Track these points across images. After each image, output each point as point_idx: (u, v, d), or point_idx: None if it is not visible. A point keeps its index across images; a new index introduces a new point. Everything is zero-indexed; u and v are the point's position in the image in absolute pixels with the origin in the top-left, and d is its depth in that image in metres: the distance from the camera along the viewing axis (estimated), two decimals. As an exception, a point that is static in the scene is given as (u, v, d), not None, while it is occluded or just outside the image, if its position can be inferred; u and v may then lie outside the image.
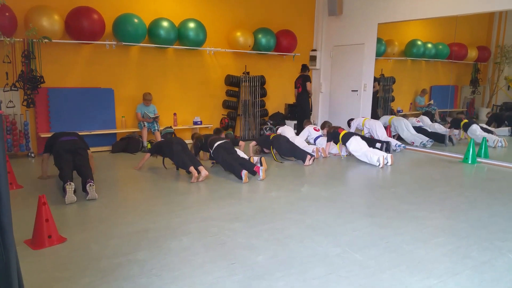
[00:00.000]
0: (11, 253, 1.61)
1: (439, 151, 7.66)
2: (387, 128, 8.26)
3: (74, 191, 4.40)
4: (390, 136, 8.19)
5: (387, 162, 6.46)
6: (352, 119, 8.49)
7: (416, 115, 9.10)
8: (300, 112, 9.28)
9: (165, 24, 7.52)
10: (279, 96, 9.80)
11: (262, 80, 9.14)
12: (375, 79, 9.02)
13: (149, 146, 7.36)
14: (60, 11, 6.66)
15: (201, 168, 5.39)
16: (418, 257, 3.14)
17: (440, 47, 9.07)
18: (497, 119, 8.60)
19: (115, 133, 7.65)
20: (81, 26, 6.70)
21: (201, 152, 6.51)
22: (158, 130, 7.66)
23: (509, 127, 8.39)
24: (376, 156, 6.42)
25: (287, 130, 7.70)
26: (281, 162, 6.63)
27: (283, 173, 5.93)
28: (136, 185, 5.35)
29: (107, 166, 6.24)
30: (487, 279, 2.82)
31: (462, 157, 6.91)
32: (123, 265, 2.95)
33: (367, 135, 7.80)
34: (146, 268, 2.90)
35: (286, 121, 9.37)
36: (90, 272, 2.84)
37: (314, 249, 3.26)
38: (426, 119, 8.87)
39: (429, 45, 9.25)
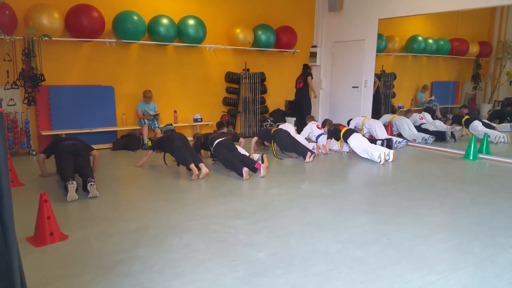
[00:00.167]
0: (13, 251, 1.62)
1: (440, 147, 7.64)
2: (387, 127, 8.23)
3: (76, 190, 4.41)
4: (391, 135, 8.16)
5: (389, 158, 6.45)
6: (351, 119, 8.46)
7: (418, 111, 9.08)
8: (300, 108, 9.27)
9: (164, 21, 7.51)
10: (279, 93, 9.79)
11: (262, 77, 9.12)
12: (375, 75, 9.01)
13: (149, 143, 7.36)
14: (60, 9, 6.65)
15: (201, 165, 5.39)
16: (419, 254, 3.14)
17: (441, 42, 9.03)
18: (499, 116, 8.57)
19: (116, 131, 7.65)
20: (81, 24, 6.69)
21: (202, 151, 6.51)
22: (158, 127, 7.66)
23: (511, 123, 8.37)
24: (377, 152, 6.41)
25: (287, 128, 7.67)
26: (280, 159, 6.62)
27: (284, 170, 5.93)
28: (137, 183, 5.36)
29: (108, 164, 6.25)
30: (489, 275, 2.82)
31: (464, 153, 6.90)
32: (124, 261, 2.96)
33: (366, 135, 7.77)
34: (147, 265, 2.91)
35: (287, 118, 9.35)
36: (92, 269, 2.84)
37: (315, 246, 3.26)
38: (427, 116, 8.85)
39: (430, 41, 9.22)
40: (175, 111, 8.26)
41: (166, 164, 5.93)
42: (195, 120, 8.49)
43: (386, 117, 8.63)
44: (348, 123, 8.47)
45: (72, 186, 4.34)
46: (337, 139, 7.05)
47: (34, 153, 6.78)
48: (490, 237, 3.47)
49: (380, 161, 6.32)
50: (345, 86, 9.58)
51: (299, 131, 7.93)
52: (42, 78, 6.46)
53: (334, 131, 7.06)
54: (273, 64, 9.58)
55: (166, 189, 4.92)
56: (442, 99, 9.17)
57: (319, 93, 10.14)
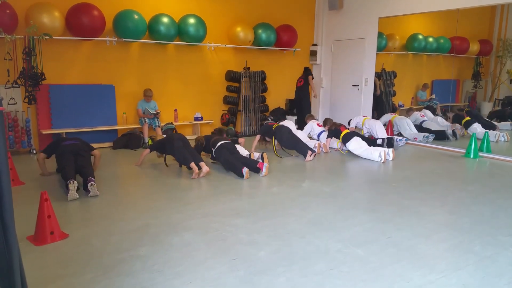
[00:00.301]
0: (13, 249, 1.62)
1: (441, 145, 7.64)
2: (387, 126, 8.22)
3: (77, 189, 4.41)
4: (391, 135, 8.14)
5: (389, 157, 6.45)
6: (351, 120, 8.44)
7: (418, 110, 9.07)
8: (300, 107, 9.27)
9: (165, 20, 7.50)
10: (279, 91, 9.79)
11: (262, 76, 9.12)
12: (376, 75, 9.01)
13: (150, 142, 7.37)
14: (60, 8, 6.64)
15: (202, 164, 5.39)
16: (420, 252, 3.14)
17: (442, 41, 9.02)
18: (499, 116, 8.57)
19: (116, 130, 7.65)
20: (81, 23, 6.69)
21: (203, 153, 6.49)
22: (159, 126, 7.66)
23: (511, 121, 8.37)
24: (377, 151, 6.41)
25: (288, 125, 7.66)
26: (281, 157, 6.62)
27: (284, 169, 5.92)
28: (138, 181, 5.36)
29: (108, 163, 6.25)
30: (490, 274, 2.82)
31: (464, 151, 6.89)
32: (125, 261, 2.96)
33: (366, 135, 7.78)
34: (148, 264, 2.91)
35: (287, 116, 9.35)
36: (92, 268, 2.84)
37: (315, 245, 3.26)
38: (429, 113, 8.84)
39: (431, 39, 9.21)
40: (175, 110, 8.25)
41: (167, 165, 5.91)
42: (196, 119, 8.48)
43: (387, 117, 8.63)
44: (349, 123, 8.46)
45: (73, 185, 4.34)
46: (338, 138, 7.03)
47: (34, 152, 6.79)
48: (491, 236, 3.47)
49: (381, 159, 6.32)
50: (345, 85, 9.57)
51: (299, 129, 7.92)
52: (43, 77, 6.46)
53: (335, 131, 7.05)
54: (273, 62, 9.57)
55: (167, 188, 4.92)
56: (442, 97, 9.16)
57: (320, 92, 10.13)
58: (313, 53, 10.05)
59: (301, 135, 7.27)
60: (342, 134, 6.87)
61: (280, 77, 9.73)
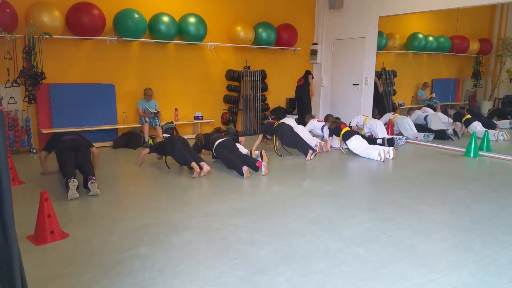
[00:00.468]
0: (13, 249, 1.61)
1: (441, 144, 7.64)
2: (388, 125, 8.21)
3: (77, 188, 4.41)
4: (392, 134, 8.14)
5: (389, 156, 6.45)
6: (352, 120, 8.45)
7: (418, 109, 9.07)
8: (300, 106, 9.27)
9: (165, 19, 7.50)
10: (280, 90, 9.78)
11: (263, 75, 9.12)
12: (376, 74, 9.01)
13: (150, 141, 7.36)
14: (60, 7, 6.64)
15: (203, 163, 5.39)
16: (420, 251, 3.14)
17: (442, 40, 9.02)
18: (499, 114, 8.57)
19: (117, 129, 7.65)
20: (81, 22, 6.68)
21: (203, 150, 6.49)
22: (159, 125, 7.66)
23: (511, 120, 8.37)
24: (376, 151, 6.41)
25: (288, 122, 7.65)
26: (281, 156, 6.62)
27: (285, 168, 5.92)
28: (138, 181, 5.36)
29: (108, 162, 6.25)
30: (490, 272, 2.82)
31: (464, 150, 6.89)
32: (125, 260, 2.96)
33: (367, 134, 7.77)
34: (148, 264, 2.91)
35: (288, 115, 9.35)
36: (92, 268, 2.84)
37: (316, 244, 3.26)
38: (429, 110, 8.84)
39: (431, 38, 9.20)
40: (175, 109, 8.25)
41: (168, 167, 5.89)
42: (196, 118, 8.48)
43: (387, 116, 8.63)
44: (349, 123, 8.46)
45: (73, 184, 4.34)
46: (338, 136, 7.03)
47: (34, 151, 6.79)
48: (491, 235, 3.47)
49: (381, 158, 6.32)
50: (345, 84, 9.57)
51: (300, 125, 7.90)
52: (43, 76, 6.45)
53: (335, 129, 7.05)
54: (274, 61, 9.57)
55: (167, 187, 4.92)
56: (442, 96, 9.16)
57: (320, 91, 10.13)
58: (314, 52, 10.05)
59: (301, 130, 7.26)
60: (342, 132, 6.86)
61: (281, 76, 9.73)
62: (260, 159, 5.70)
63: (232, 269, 2.84)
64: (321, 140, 7.43)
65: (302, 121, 9.04)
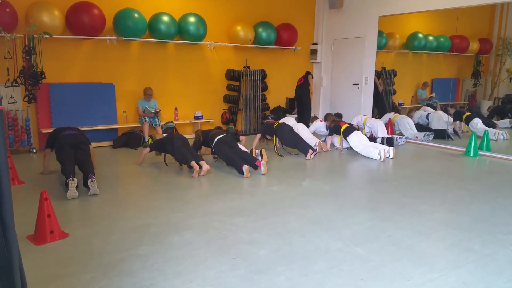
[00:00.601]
0: (13, 249, 1.62)
1: (440, 144, 7.64)
2: (387, 125, 8.21)
3: (77, 187, 4.40)
4: (392, 134, 8.14)
5: (389, 156, 6.45)
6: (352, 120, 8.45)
7: (418, 109, 9.07)
8: (300, 105, 9.27)
9: (165, 18, 7.49)
10: (280, 90, 9.78)
11: (263, 74, 9.12)
12: (376, 73, 9.01)
13: (150, 141, 7.36)
14: (60, 7, 6.64)
15: (202, 162, 5.39)
16: (420, 251, 3.14)
17: (442, 39, 9.02)
18: (499, 112, 8.57)
19: (117, 128, 7.65)
20: (81, 22, 6.68)
21: (203, 148, 6.50)
22: (159, 125, 7.66)
23: (511, 119, 8.37)
24: (376, 150, 6.41)
25: (288, 121, 7.66)
26: (281, 156, 6.62)
27: (285, 167, 5.92)
28: (138, 180, 5.36)
29: (108, 161, 6.25)
30: (489, 272, 2.82)
31: (464, 150, 6.90)
32: (125, 260, 2.96)
33: (368, 134, 7.77)
34: (148, 263, 2.91)
35: (287, 115, 9.35)
36: (92, 268, 2.85)
37: (315, 243, 3.26)
38: (429, 109, 8.85)
39: (431, 38, 9.20)
40: (175, 109, 8.25)
41: (167, 165, 5.90)
42: (196, 118, 8.48)
43: (388, 116, 8.64)
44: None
45: (72, 183, 4.33)
46: (338, 134, 7.03)
47: (34, 151, 6.79)
48: (490, 234, 3.47)
49: (380, 158, 6.32)
50: (345, 83, 9.57)
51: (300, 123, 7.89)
52: (43, 76, 6.45)
53: (335, 128, 7.05)
54: (273, 61, 9.57)
55: (167, 187, 4.92)
56: (442, 96, 9.16)
57: (320, 91, 10.14)
58: (313, 52, 10.05)
59: (303, 128, 7.25)
60: (342, 129, 6.86)
61: (281, 75, 9.73)
62: (260, 158, 5.70)
63: (232, 268, 2.84)
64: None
65: (301, 121, 9.04)
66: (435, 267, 2.89)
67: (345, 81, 9.56)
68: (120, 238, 3.36)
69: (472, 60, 8.97)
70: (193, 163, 5.33)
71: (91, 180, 4.44)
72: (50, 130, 6.76)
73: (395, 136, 7.59)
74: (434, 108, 9.03)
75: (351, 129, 6.82)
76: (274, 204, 4.26)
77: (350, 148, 6.96)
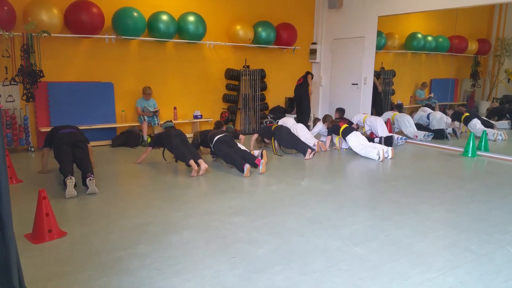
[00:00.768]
0: (11, 248, 1.61)
1: (439, 144, 7.65)
2: (387, 123, 8.22)
3: (75, 185, 4.40)
4: (391, 132, 8.15)
5: (388, 156, 6.46)
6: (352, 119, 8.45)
7: (417, 109, 9.08)
8: (300, 105, 9.27)
9: (164, 17, 7.49)
10: (279, 89, 9.78)
11: (262, 74, 9.11)
12: (375, 73, 9.02)
13: (149, 140, 7.35)
14: (59, 5, 6.62)
15: (200, 161, 5.38)
16: (418, 250, 3.15)
17: (441, 40, 9.03)
18: (497, 113, 8.58)
19: (115, 127, 7.64)
20: (80, 20, 6.66)
21: (202, 148, 6.49)
22: (158, 124, 7.65)
23: (509, 120, 8.39)
24: (375, 150, 6.42)
25: (287, 120, 7.67)
26: (280, 155, 6.63)
27: (284, 167, 5.93)
28: (136, 180, 5.35)
29: (107, 161, 6.24)
30: (487, 271, 2.83)
31: (462, 150, 6.91)
32: (123, 259, 2.95)
33: (368, 132, 7.79)
34: (146, 262, 2.91)
35: (286, 115, 9.36)
36: (91, 266, 2.84)
37: (314, 243, 3.26)
38: (428, 109, 8.87)
39: (430, 38, 9.21)
40: (174, 108, 8.25)
41: (165, 160, 5.92)
42: (195, 117, 8.48)
43: (387, 114, 8.65)
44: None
45: (70, 181, 4.32)
46: (337, 134, 7.03)
47: (33, 149, 6.77)
48: (488, 234, 3.48)
49: (379, 158, 6.33)
50: (344, 83, 9.58)
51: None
52: (41, 75, 6.44)
53: (334, 128, 7.06)
54: (273, 61, 9.57)
55: (166, 186, 4.92)
56: (441, 96, 9.17)
57: (319, 90, 10.14)
58: (313, 52, 10.05)
59: (302, 129, 7.26)
60: (341, 129, 6.86)
61: (280, 75, 9.73)
62: (260, 157, 5.70)
63: (230, 267, 2.84)
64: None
65: (300, 120, 9.04)
66: (433, 266, 2.89)
67: (344, 81, 9.57)
68: (118, 237, 3.35)
69: (470, 61, 8.98)
70: (191, 162, 5.32)
71: (90, 179, 4.43)
72: (49, 129, 6.76)
73: (395, 136, 7.58)
74: (433, 109, 9.04)
75: (350, 129, 6.82)
76: (273, 203, 4.26)
77: (349, 148, 6.97)
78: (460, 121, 8.31)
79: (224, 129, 6.87)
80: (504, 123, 8.35)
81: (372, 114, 9.03)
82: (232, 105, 8.96)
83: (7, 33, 6.10)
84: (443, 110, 8.79)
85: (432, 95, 9.37)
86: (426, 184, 5.06)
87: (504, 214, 3.99)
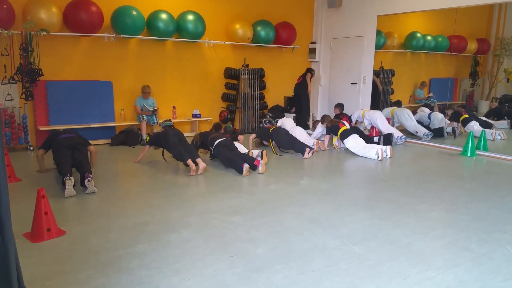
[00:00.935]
0: (10, 246, 1.61)
1: (438, 143, 7.66)
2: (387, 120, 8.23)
3: (74, 185, 4.39)
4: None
5: (386, 155, 6.46)
6: (351, 115, 8.44)
7: (416, 108, 9.09)
8: (299, 104, 9.27)
9: (163, 16, 7.48)
10: (278, 89, 9.78)
11: (261, 73, 9.11)
12: (374, 73, 9.02)
13: (148, 139, 7.34)
14: (58, 3, 6.61)
15: (199, 160, 5.38)
16: (417, 250, 3.15)
17: (440, 39, 9.03)
18: (496, 114, 8.59)
19: (114, 126, 7.63)
20: (79, 19, 6.65)
21: (202, 150, 6.48)
22: (157, 123, 7.65)
23: (508, 120, 8.39)
24: (374, 150, 6.41)
25: (286, 122, 7.68)
26: (280, 155, 6.63)
27: (283, 166, 5.93)
28: (135, 179, 5.35)
29: (106, 159, 6.24)
30: (486, 271, 2.83)
31: (461, 149, 6.91)
32: (122, 258, 2.95)
33: (368, 126, 7.78)
34: (145, 261, 2.91)
35: (286, 114, 9.36)
36: (90, 265, 2.84)
37: (313, 242, 3.26)
38: (426, 109, 8.87)
39: (429, 38, 9.21)
40: (173, 107, 8.24)
41: (165, 160, 5.91)
42: (194, 116, 8.47)
43: (386, 110, 8.64)
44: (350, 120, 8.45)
45: (69, 181, 4.32)
46: (336, 134, 7.03)
47: (31, 148, 6.76)
48: (487, 234, 3.48)
49: (378, 157, 6.33)
50: (344, 83, 9.58)
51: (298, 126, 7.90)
52: (40, 73, 6.43)
53: (332, 128, 7.06)
54: (272, 60, 9.56)
55: (165, 185, 4.92)
56: (440, 95, 9.18)
57: (318, 90, 10.14)
58: (312, 51, 10.05)
59: (299, 132, 7.27)
60: (340, 131, 6.86)
61: (279, 74, 9.72)
62: (259, 159, 5.70)
63: (230, 266, 2.84)
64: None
65: (299, 120, 9.05)
66: (432, 265, 2.89)
67: (344, 80, 9.57)
68: (117, 236, 3.35)
69: (470, 60, 8.98)
70: (189, 161, 5.32)
71: (88, 180, 4.43)
72: (48, 128, 6.78)
73: (395, 135, 7.55)
74: (432, 108, 9.05)
75: (348, 132, 6.80)
76: (272, 202, 4.26)
77: (347, 148, 6.96)
78: (458, 122, 8.32)
79: (222, 130, 6.87)
80: (503, 123, 8.36)
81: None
82: (231, 104, 8.95)
83: (6, 31, 6.09)
84: (442, 109, 8.80)
85: (431, 94, 9.38)
86: (425, 184, 5.06)
87: (503, 214, 3.99)
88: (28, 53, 6.33)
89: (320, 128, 7.70)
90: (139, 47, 7.77)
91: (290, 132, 7.07)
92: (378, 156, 6.33)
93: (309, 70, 9.22)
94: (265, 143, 7.20)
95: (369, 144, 6.77)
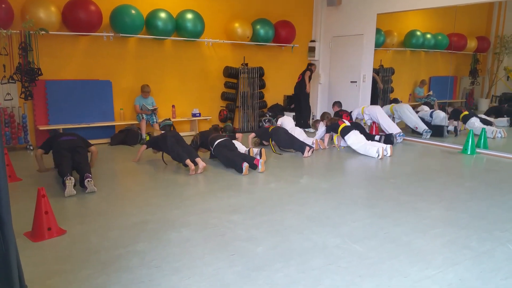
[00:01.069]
0: (10, 246, 1.61)
1: (438, 142, 7.66)
2: None
3: (74, 185, 4.40)
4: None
5: (387, 154, 6.46)
6: (351, 112, 8.45)
7: (416, 106, 9.09)
8: (298, 103, 9.26)
9: (162, 15, 7.47)
10: (278, 87, 9.77)
11: (260, 72, 9.10)
12: (374, 71, 9.01)
13: (147, 138, 7.34)
14: (57, 3, 6.60)
15: (198, 160, 5.38)
16: (418, 248, 3.15)
17: (440, 37, 9.02)
18: (496, 113, 8.59)
19: (114, 126, 7.63)
20: (78, 18, 6.64)
21: (201, 150, 6.47)
22: (156, 122, 7.64)
23: (508, 118, 8.40)
24: (374, 148, 6.41)
25: (286, 121, 7.68)
26: (280, 154, 6.63)
27: (282, 165, 5.92)
28: (135, 178, 5.35)
29: (105, 159, 6.24)
30: (486, 269, 2.83)
31: (461, 148, 6.91)
32: (122, 257, 2.95)
33: (368, 122, 7.78)
34: (146, 260, 2.91)
35: (285, 113, 9.35)
36: (90, 264, 2.84)
37: (313, 240, 3.27)
38: (425, 108, 8.88)
39: (428, 36, 9.21)
40: (173, 106, 8.23)
41: (165, 164, 5.88)
42: (193, 115, 8.47)
43: (385, 108, 8.64)
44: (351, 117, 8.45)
45: (70, 181, 4.32)
46: (336, 132, 7.03)
47: (31, 148, 6.76)
48: (488, 232, 3.49)
49: (378, 156, 6.33)
50: (343, 81, 9.57)
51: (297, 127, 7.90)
52: (39, 73, 6.43)
53: (332, 126, 7.06)
54: (271, 58, 9.55)
55: (165, 184, 4.92)
56: (440, 94, 9.17)
57: (318, 88, 10.14)
58: (311, 49, 10.04)
59: (300, 133, 7.27)
60: (340, 128, 6.86)
61: (278, 73, 9.72)
62: (258, 157, 5.70)
63: (229, 265, 2.84)
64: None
65: (299, 119, 9.05)
66: (433, 264, 2.89)
67: (343, 78, 9.57)
68: (117, 235, 3.35)
69: (469, 58, 8.98)
70: (188, 161, 5.31)
71: (88, 181, 4.44)
72: (47, 127, 6.78)
73: (395, 133, 7.55)
74: (432, 106, 9.05)
75: (349, 128, 6.81)
76: (272, 201, 4.26)
77: (348, 146, 6.96)
78: (458, 119, 8.32)
79: (220, 133, 6.85)
80: (503, 121, 8.36)
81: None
82: (231, 103, 8.95)
83: (5, 31, 6.08)
84: (442, 107, 8.79)
85: (431, 92, 9.37)
86: (425, 182, 5.06)
87: (503, 212, 4.00)
88: (27, 53, 6.32)
89: (323, 127, 7.69)
90: (138, 46, 7.76)
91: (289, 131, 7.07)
92: (378, 155, 6.33)
93: (309, 67, 9.20)
94: (265, 143, 7.21)
95: (370, 141, 6.77)
